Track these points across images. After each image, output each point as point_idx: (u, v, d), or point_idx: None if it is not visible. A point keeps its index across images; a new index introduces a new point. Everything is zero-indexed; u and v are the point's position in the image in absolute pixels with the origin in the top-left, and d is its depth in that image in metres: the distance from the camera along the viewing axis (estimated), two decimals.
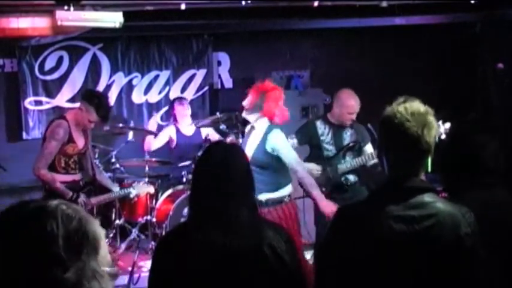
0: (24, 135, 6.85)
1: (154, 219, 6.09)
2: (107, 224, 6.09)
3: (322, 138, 4.91)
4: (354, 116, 4.85)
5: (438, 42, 7.69)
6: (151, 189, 5.71)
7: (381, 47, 7.66)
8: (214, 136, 6.44)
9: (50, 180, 4.62)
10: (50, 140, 4.63)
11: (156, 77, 7.29)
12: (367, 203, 2.14)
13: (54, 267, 1.24)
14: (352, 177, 4.92)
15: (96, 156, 6.02)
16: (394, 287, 1.99)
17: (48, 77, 6.88)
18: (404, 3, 6.43)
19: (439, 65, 7.72)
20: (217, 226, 2.17)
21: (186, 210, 5.57)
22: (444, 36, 7.58)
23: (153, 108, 7.30)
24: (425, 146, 2.00)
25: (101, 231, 1.34)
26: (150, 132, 6.56)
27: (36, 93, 6.84)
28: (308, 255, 4.89)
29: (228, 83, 7.66)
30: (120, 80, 7.16)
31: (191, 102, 7.01)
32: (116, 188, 5.14)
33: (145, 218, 6.13)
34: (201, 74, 7.41)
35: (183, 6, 5.65)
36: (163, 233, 5.79)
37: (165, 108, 7.28)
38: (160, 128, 6.90)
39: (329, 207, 4.09)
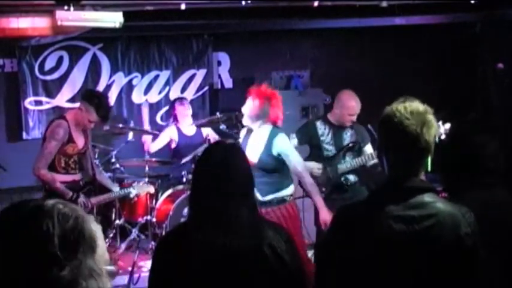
0: (24, 135, 6.85)
1: (154, 219, 6.08)
2: (107, 224, 6.09)
3: (322, 138, 4.91)
4: (354, 118, 4.84)
5: (438, 42, 7.69)
6: (151, 189, 5.71)
7: (381, 47, 7.66)
8: (215, 136, 6.44)
9: (50, 180, 4.62)
10: (49, 140, 4.63)
11: (156, 77, 7.29)
12: (367, 203, 2.14)
13: (51, 266, 1.24)
14: (352, 177, 4.92)
15: (96, 156, 6.02)
16: (394, 287, 1.99)
17: (48, 77, 6.88)
18: (404, 3, 6.44)
19: (439, 65, 7.73)
20: (217, 226, 2.17)
21: (186, 210, 5.57)
22: (444, 36, 7.58)
23: (153, 108, 7.31)
24: (424, 144, 2.00)
25: (98, 230, 1.34)
26: (150, 133, 6.55)
27: (36, 93, 6.84)
28: (308, 255, 4.89)
29: (228, 83, 7.66)
30: (120, 80, 7.16)
31: (191, 102, 7.01)
32: (116, 188, 5.14)
33: (145, 218, 6.13)
34: (201, 74, 7.42)
35: (183, 6, 5.65)
36: (163, 233, 5.79)
37: (165, 108, 7.29)
38: (160, 128, 6.90)
39: (328, 217, 4.10)
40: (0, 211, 1.36)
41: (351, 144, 4.90)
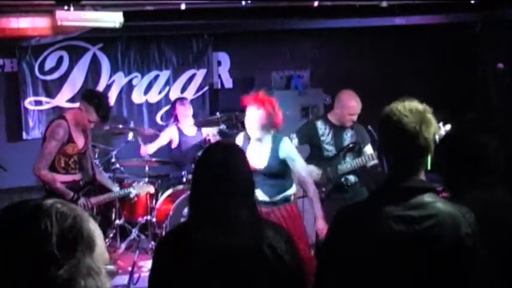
0: (24, 135, 6.85)
1: (154, 219, 6.08)
2: (107, 224, 6.09)
3: (322, 138, 4.91)
4: (354, 118, 4.85)
5: (438, 42, 7.69)
6: (151, 189, 5.71)
7: (381, 47, 7.66)
8: (214, 137, 6.43)
9: (50, 181, 4.62)
10: (49, 140, 4.63)
11: (156, 77, 7.30)
12: (367, 203, 2.14)
13: (48, 265, 1.24)
14: (352, 178, 4.92)
15: (96, 156, 6.02)
16: (394, 287, 1.99)
17: (48, 77, 6.88)
18: (404, 3, 6.44)
19: (439, 65, 7.73)
20: (217, 226, 2.17)
21: (186, 210, 5.56)
22: (444, 36, 7.59)
23: (153, 108, 7.31)
24: (424, 142, 1.99)
25: (97, 229, 1.34)
26: (150, 133, 6.54)
27: (36, 93, 6.84)
28: (312, 253, 4.89)
29: (228, 83, 7.66)
30: (120, 80, 7.16)
31: (191, 102, 7.00)
32: (116, 188, 5.14)
33: (145, 218, 6.13)
34: (201, 74, 7.42)
35: (183, 6, 5.65)
36: (163, 233, 5.79)
37: (165, 108, 7.29)
38: (160, 128, 6.89)
39: (324, 228, 4.04)
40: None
41: (351, 145, 4.90)
